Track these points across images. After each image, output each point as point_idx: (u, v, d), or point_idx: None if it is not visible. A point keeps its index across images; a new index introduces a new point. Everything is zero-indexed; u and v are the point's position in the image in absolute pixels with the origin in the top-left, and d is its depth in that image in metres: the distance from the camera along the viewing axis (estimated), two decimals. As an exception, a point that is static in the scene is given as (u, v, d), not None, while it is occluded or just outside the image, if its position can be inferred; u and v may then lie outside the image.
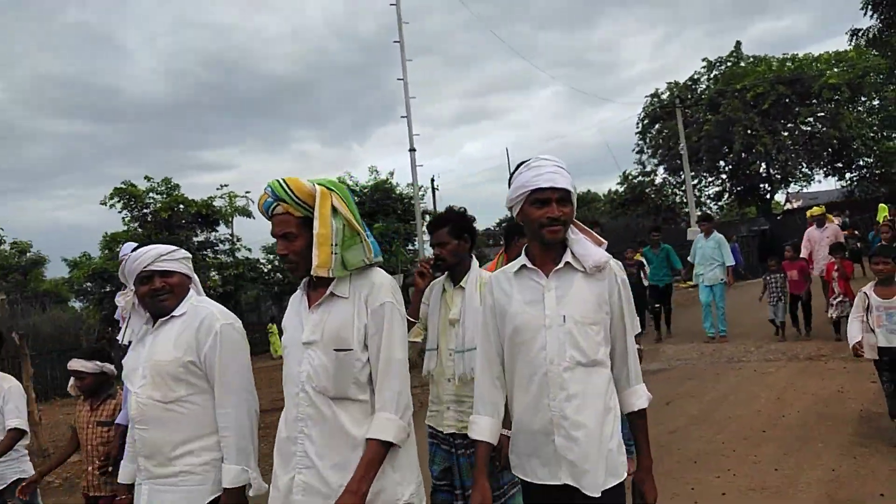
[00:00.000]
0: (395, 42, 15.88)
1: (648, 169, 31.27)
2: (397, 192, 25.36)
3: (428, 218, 27.25)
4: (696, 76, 29.45)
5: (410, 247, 23.13)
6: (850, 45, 13.03)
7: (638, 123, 30.74)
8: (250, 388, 2.41)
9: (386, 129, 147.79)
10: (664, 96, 29.50)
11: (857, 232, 14.62)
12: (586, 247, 2.12)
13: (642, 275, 10.41)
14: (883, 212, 18.81)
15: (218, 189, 25.14)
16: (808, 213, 10.65)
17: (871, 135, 27.44)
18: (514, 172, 2.16)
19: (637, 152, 31.31)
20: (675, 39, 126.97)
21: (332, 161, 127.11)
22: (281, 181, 2.12)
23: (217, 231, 23.42)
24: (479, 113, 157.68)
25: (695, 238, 10.65)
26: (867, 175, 28.51)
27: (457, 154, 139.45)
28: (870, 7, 10.18)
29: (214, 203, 22.50)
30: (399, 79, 15.87)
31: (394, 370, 2.10)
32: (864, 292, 4.77)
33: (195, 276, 2.61)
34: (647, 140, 30.56)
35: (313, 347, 2.11)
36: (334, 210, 2.12)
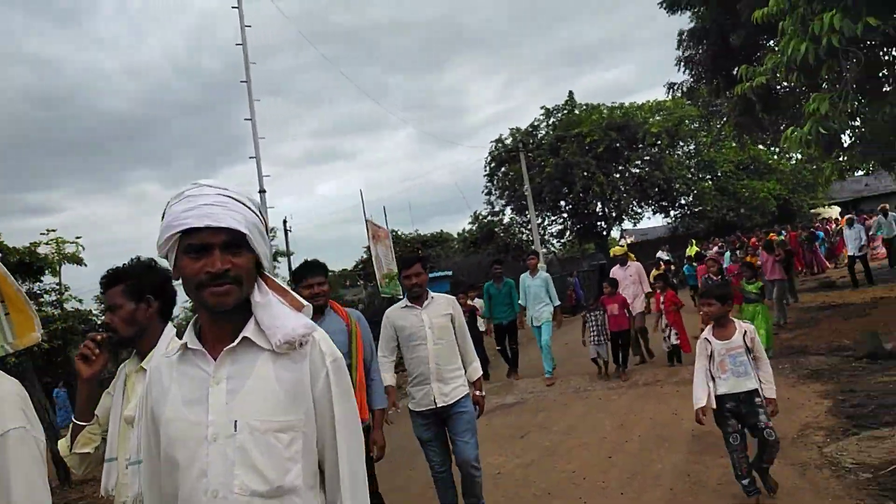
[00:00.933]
0: (242, 82, 15.48)
1: (497, 209, 32.76)
2: (248, 234, 24.48)
3: (280, 260, 26.60)
4: (536, 122, 31.43)
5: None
6: (667, 96, 14.55)
7: (485, 166, 32.18)
8: None
9: (234, 168, 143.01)
10: (508, 141, 31.13)
11: (672, 266, 15.88)
12: (278, 313, 1.46)
13: (478, 320, 10.49)
14: (692, 247, 20.88)
15: (43, 234, 22.95)
16: (612, 253, 10.85)
17: (690, 176, 30.65)
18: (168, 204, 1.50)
19: (486, 193, 32.73)
20: (516, 87, 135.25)
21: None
22: None
23: (42, 281, 21.15)
24: (332, 153, 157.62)
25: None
26: (688, 212, 31.76)
27: (311, 194, 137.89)
28: (682, 64, 11.49)
29: (39, 250, 20.39)
30: (247, 119, 15.46)
31: None
32: (706, 339, 4.38)
33: None
34: (495, 182, 32.01)
35: None
36: None
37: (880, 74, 7.17)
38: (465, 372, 4.37)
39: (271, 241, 21.94)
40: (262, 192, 15.70)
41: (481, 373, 4.46)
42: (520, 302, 9.97)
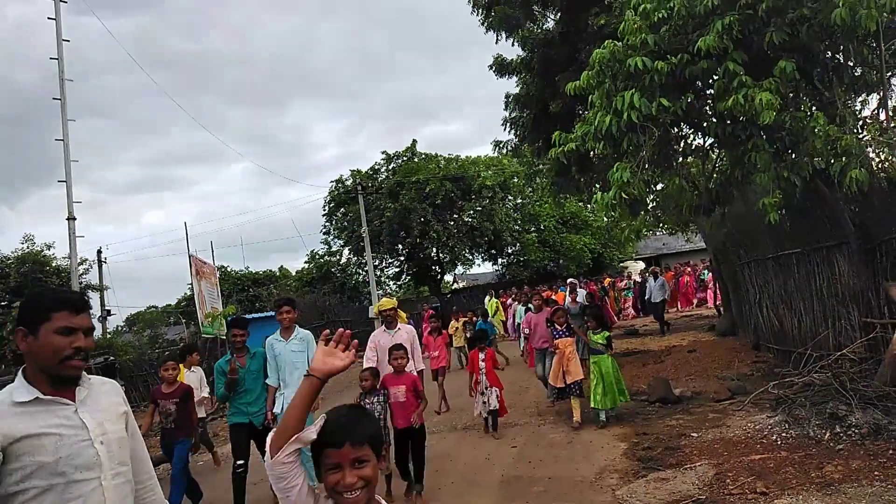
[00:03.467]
0: (55, 99, 14.24)
1: (335, 249, 32.56)
2: (54, 264, 22.38)
3: (92, 295, 24.25)
4: (377, 166, 31.90)
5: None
6: (493, 152, 15.44)
7: (324, 206, 31.96)
8: None
9: (43, 193, 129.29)
10: (348, 182, 31.23)
11: (475, 318, 14.83)
12: None
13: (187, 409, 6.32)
14: (492, 300, 21.32)
15: None
16: (376, 309, 7.64)
17: (517, 228, 32.55)
18: None
19: (324, 233, 32.45)
20: (360, 131, 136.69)
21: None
22: None
23: None
24: (161, 182, 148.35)
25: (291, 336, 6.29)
26: (514, 261, 33.61)
27: (134, 224, 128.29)
28: (508, 124, 12.28)
29: None
30: (58, 139, 14.18)
31: None
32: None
33: None
34: (334, 222, 31.87)
35: None
36: None
37: (672, 150, 8.10)
38: None
39: (84, 274, 20.02)
40: (70, 219, 14.41)
41: None
42: (267, 381, 6.20)
